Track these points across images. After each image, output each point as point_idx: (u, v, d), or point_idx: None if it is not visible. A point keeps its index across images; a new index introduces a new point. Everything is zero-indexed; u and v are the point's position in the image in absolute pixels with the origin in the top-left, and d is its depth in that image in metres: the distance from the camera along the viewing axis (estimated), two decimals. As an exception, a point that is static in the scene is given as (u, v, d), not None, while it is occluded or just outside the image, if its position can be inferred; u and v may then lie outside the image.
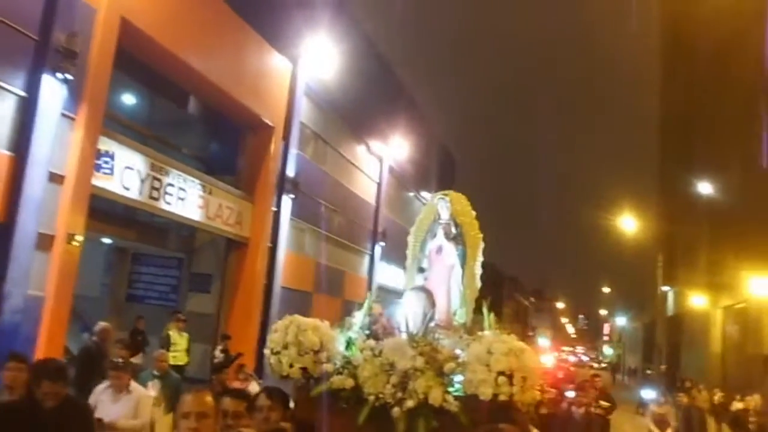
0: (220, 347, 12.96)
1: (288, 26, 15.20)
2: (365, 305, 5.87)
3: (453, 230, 6.33)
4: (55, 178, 9.14)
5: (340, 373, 5.10)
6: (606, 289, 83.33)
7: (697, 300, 33.01)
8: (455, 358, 5.01)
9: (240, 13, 13.48)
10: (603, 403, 11.23)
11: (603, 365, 71.70)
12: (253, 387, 9.41)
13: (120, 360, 6.25)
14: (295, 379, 5.27)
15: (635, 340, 63.36)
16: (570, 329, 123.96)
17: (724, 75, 31.17)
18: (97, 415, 5.72)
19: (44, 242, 9.05)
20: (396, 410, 4.76)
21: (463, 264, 6.27)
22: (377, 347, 5.15)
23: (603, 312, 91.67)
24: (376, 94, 21.11)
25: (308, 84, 16.41)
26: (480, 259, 6.36)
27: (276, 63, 15.18)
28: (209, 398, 3.06)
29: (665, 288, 39.92)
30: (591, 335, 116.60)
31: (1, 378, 4.94)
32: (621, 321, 70.77)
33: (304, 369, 5.18)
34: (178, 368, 12.99)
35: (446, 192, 6.66)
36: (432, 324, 5.66)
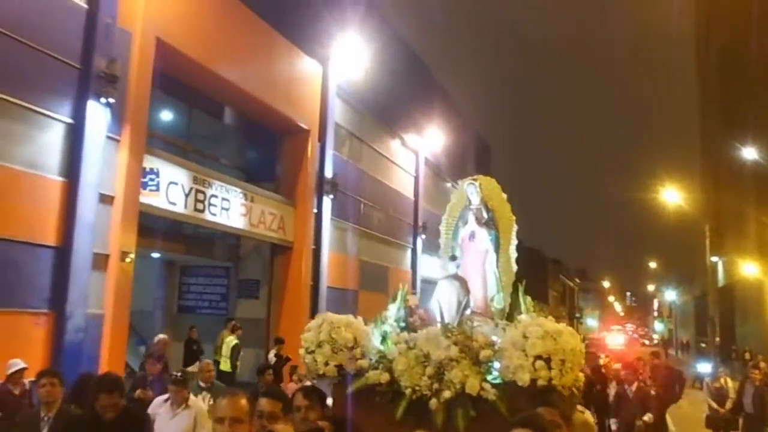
0: (273, 351, 13.19)
1: (316, 30, 15.32)
2: (398, 298, 5.74)
3: (485, 215, 6.14)
4: (105, 199, 9.45)
5: (376, 368, 5.01)
6: (652, 264, 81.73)
7: (749, 269, 32.21)
8: (491, 345, 4.90)
9: (268, 20, 13.65)
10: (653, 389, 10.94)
11: (654, 341, 70.61)
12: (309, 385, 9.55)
13: (179, 374, 6.17)
14: (331, 377, 5.18)
15: (686, 314, 62.17)
16: (618, 307, 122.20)
17: (765, 35, 30.27)
18: (156, 430, 5.76)
19: (99, 262, 9.37)
20: (433, 402, 4.66)
21: (497, 248, 6.09)
22: (411, 339, 5.07)
23: (651, 287, 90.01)
24: (408, 87, 21.12)
25: (339, 85, 16.53)
26: (514, 242, 6.17)
27: (306, 67, 15.33)
28: (244, 402, 3.03)
29: (714, 258, 39.05)
30: (640, 312, 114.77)
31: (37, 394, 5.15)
32: (670, 296, 69.35)
33: (339, 366, 5.12)
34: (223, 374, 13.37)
35: (475, 177, 6.46)
36: (468, 312, 5.57)
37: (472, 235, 6.14)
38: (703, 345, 38.36)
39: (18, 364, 6.96)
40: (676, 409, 16.64)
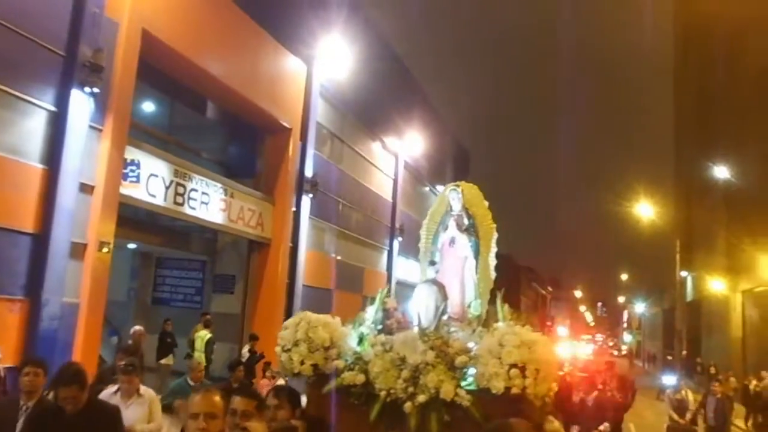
0: (247, 347, 13.24)
1: (302, 29, 15.41)
2: (377, 300, 5.75)
3: (465, 221, 6.18)
4: (86, 189, 9.43)
5: (351, 369, 5.04)
6: (624, 276, 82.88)
7: (716, 284, 32.86)
8: (467, 351, 4.93)
9: (255, 18, 13.71)
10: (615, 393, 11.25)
11: (623, 352, 71.57)
12: (281, 383, 9.63)
13: (129, 365, 5.94)
14: (307, 376, 5.20)
15: (655, 326, 63.05)
16: (589, 317, 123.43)
17: (738, 57, 30.97)
18: None
19: (77, 251, 9.35)
20: (408, 405, 4.69)
21: (477, 255, 6.12)
22: (388, 342, 5.09)
23: (621, 299, 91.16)
24: (390, 91, 21.30)
25: (323, 85, 16.64)
26: (494, 249, 6.21)
27: (291, 65, 15.41)
28: (218, 398, 3.04)
29: (684, 273, 39.73)
30: (610, 323, 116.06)
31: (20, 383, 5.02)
32: (640, 308, 70.38)
33: (315, 366, 5.12)
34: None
35: (458, 183, 6.46)
36: (445, 317, 5.59)
37: (452, 241, 6.19)
38: (669, 357, 38.95)
39: None
40: (640, 419, 17.00)
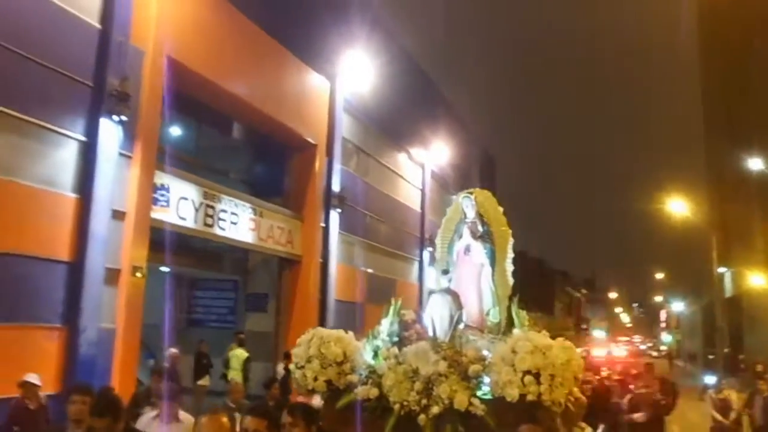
0: (282, 364, 13.26)
1: (323, 46, 15.50)
2: (390, 312, 5.64)
3: (480, 228, 6.08)
4: (118, 215, 9.57)
5: (365, 383, 4.98)
6: (659, 275, 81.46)
7: (756, 279, 32.10)
8: (481, 359, 4.85)
9: (276, 37, 13.82)
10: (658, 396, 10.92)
11: (662, 353, 70.25)
12: (316, 401, 9.61)
13: (169, 390, 5.91)
14: (321, 393, 5.14)
15: (694, 324, 61.82)
16: (625, 318, 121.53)
17: (765, 43, 30.34)
18: None
19: (111, 277, 9.48)
20: (422, 417, 4.63)
21: (493, 262, 6.02)
22: (401, 354, 5.03)
23: (658, 299, 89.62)
24: (414, 102, 21.29)
25: (347, 99, 16.69)
26: (510, 255, 6.10)
27: (314, 82, 15.50)
28: (224, 420, 3.15)
29: (722, 269, 38.97)
30: (647, 323, 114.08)
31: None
32: (678, 306, 69.08)
33: (328, 381, 5.07)
34: None
35: (471, 190, 6.38)
36: (461, 326, 5.51)
37: (467, 249, 6.09)
38: (711, 356, 38.12)
39: (33, 378, 7.03)
40: (684, 421, 16.61)
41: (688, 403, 19.63)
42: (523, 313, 5.58)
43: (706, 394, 19.23)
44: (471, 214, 6.17)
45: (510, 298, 5.86)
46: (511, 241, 6.13)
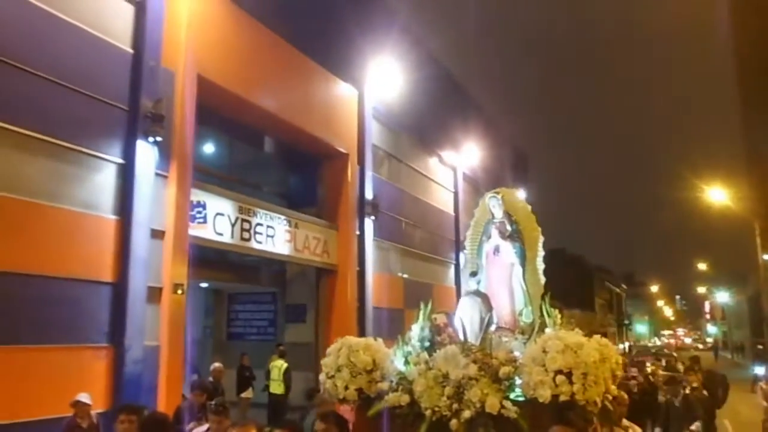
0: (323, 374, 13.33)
1: (349, 55, 15.59)
2: (420, 317, 5.62)
3: (508, 228, 6.04)
4: (157, 234, 9.73)
5: (396, 390, 4.95)
6: (702, 266, 79.75)
7: (804, 266, 31.25)
8: (512, 361, 4.77)
9: (302, 49, 13.94)
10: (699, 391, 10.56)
11: (708, 345, 68.77)
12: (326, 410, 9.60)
13: (220, 405, 5.92)
14: (353, 401, 5.14)
15: (740, 315, 60.44)
16: (668, 312, 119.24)
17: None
18: None
19: (153, 295, 9.64)
20: (453, 422, 4.57)
21: (524, 261, 5.96)
22: (431, 360, 4.99)
23: (701, 290, 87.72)
24: (442, 105, 21.25)
25: (375, 107, 16.75)
26: (541, 253, 6.04)
27: (342, 91, 15.59)
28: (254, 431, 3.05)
29: (766, 256, 38.00)
30: (691, 315, 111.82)
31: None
32: (722, 297, 67.56)
33: (359, 390, 5.06)
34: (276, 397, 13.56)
35: (498, 190, 6.35)
36: (492, 327, 5.47)
37: (496, 249, 6.10)
38: (760, 347, 37.16)
39: (84, 397, 7.19)
40: (735, 414, 16.20)
41: (738, 395, 19.13)
42: (556, 311, 5.47)
43: (756, 386, 18.72)
44: (498, 213, 6.15)
45: (542, 297, 5.78)
46: (541, 238, 6.07)
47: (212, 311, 17.98)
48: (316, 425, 4.25)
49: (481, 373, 4.68)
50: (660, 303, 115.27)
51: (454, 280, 22.44)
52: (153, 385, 9.43)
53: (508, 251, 6.01)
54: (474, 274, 5.97)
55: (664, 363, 23.02)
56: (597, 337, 4.81)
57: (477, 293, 5.74)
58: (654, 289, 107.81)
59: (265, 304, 17.32)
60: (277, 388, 13.79)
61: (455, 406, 4.61)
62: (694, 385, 10.42)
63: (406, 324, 16.98)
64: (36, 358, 7.93)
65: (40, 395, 7.85)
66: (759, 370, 22.75)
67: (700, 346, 68.63)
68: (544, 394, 4.34)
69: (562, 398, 4.30)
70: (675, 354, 32.12)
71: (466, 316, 5.54)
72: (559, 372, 4.34)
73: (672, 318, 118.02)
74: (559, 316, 5.44)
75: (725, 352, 60.60)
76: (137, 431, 5.15)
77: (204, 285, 16.43)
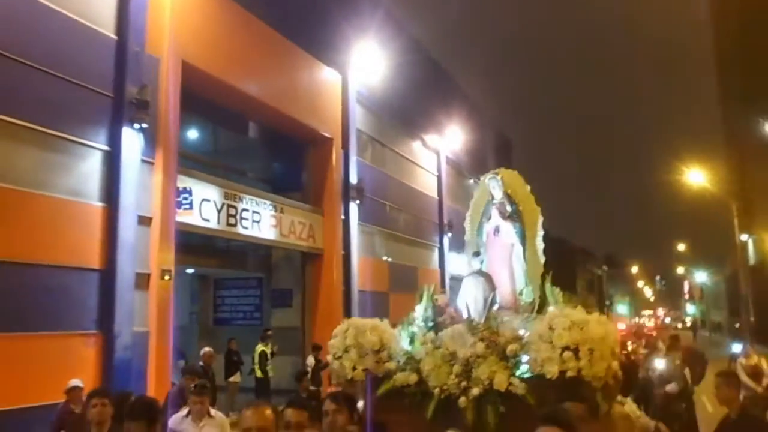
0: (312, 357, 13.47)
1: (333, 39, 15.57)
2: (424, 298, 5.68)
3: (508, 208, 6.05)
4: (144, 221, 9.77)
5: (403, 370, 5.01)
6: (681, 246, 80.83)
7: (780, 245, 31.84)
8: (518, 339, 4.84)
9: (286, 34, 13.92)
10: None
11: (687, 325, 69.94)
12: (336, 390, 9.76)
13: (202, 386, 5.91)
14: (361, 381, 5.15)
15: (718, 294, 61.44)
16: (648, 292, 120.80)
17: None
18: None
19: (141, 281, 9.71)
20: (462, 400, 4.59)
21: (524, 241, 6.00)
22: (437, 339, 5.04)
23: (680, 270, 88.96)
24: (426, 89, 21.31)
25: (359, 91, 16.78)
26: (541, 233, 6.07)
27: (326, 76, 15.59)
28: (269, 412, 3.06)
29: (744, 237, 38.63)
30: (671, 296, 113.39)
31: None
32: (701, 277, 68.63)
33: (367, 370, 5.09)
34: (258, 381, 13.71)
35: (497, 170, 6.32)
36: (495, 307, 5.51)
37: (496, 230, 6.10)
38: (737, 325, 37.87)
39: (77, 383, 7.25)
40: (713, 389, 16.53)
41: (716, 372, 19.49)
42: (557, 290, 5.55)
43: (734, 363, 19.14)
44: (498, 194, 6.14)
45: (542, 276, 5.84)
46: (540, 218, 6.09)
47: (198, 297, 17.99)
48: (326, 405, 4.24)
49: (488, 350, 4.75)
50: (640, 284, 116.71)
51: (438, 263, 22.64)
52: (142, 370, 9.51)
53: (509, 231, 6.06)
54: (477, 254, 6.01)
55: (644, 342, 23.43)
56: (596, 314, 4.90)
57: (480, 273, 5.80)
58: (634, 270, 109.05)
59: (250, 289, 17.37)
60: (258, 372, 13.97)
61: (463, 383, 4.67)
62: (677, 362, 10.67)
63: (391, 307, 17.32)
64: (25, 345, 7.97)
65: (30, 382, 7.91)
66: (736, 348, 23.21)
67: (679, 326, 69.69)
68: (552, 370, 4.42)
69: (569, 374, 4.38)
70: (654, 333, 32.73)
71: (469, 296, 5.58)
72: (566, 348, 4.41)
73: (652, 298, 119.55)
74: (560, 294, 5.53)
75: (703, 331, 61.67)
76: (112, 412, 5.03)
77: (190, 271, 16.43)
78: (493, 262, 6.03)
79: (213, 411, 5.93)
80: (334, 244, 15.57)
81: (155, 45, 10.07)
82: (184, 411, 5.93)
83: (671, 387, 9.90)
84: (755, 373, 11.67)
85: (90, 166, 9.06)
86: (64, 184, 8.68)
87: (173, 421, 5.91)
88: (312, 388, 10.89)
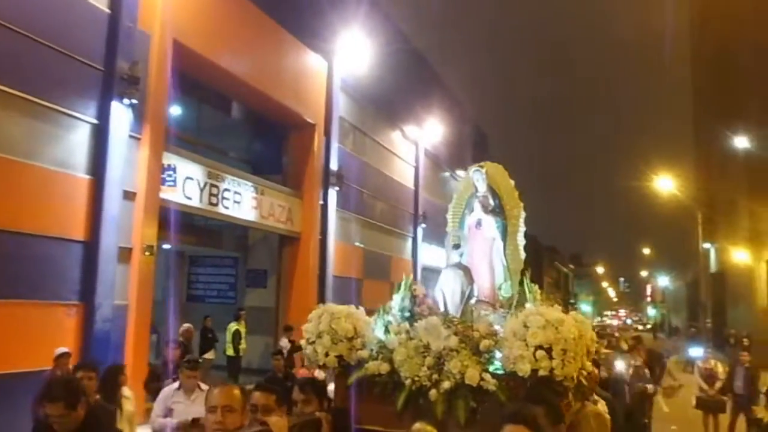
0: (285, 338, 13.67)
1: (321, 26, 15.69)
2: (402, 288, 5.60)
3: (491, 202, 6.00)
4: (129, 195, 9.86)
5: (376, 359, 4.90)
6: (646, 250, 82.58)
7: (740, 255, 32.85)
8: (493, 334, 4.79)
9: (275, 18, 14.01)
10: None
11: (648, 327, 71.58)
12: (319, 374, 9.94)
13: (195, 361, 6.07)
14: (332, 368, 5.13)
15: (679, 299, 62.97)
16: (611, 293, 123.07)
17: (757, 25, 30.66)
18: (177, 417, 5.83)
19: (124, 255, 9.81)
20: (433, 392, 4.56)
21: (505, 236, 5.94)
22: (412, 330, 4.98)
23: (644, 273, 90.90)
24: (408, 81, 21.54)
25: (344, 79, 16.93)
26: (522, 229, 6.05)
27: (312, 62, 15.72)
28: (236, 392, 3.06)
29: (706, 245, 39.69)
30: (633, 298, 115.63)
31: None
32: (663, 281, 70.29)
33: (339, 357, 5.04)
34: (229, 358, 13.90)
35: (482, 164, 6.25)
36: (473, 301, 5.51)
37: (478, 223, 6.02)
38: (693, 329, 38.94)
39: (64, 350, 7.38)
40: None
41: (674, 374, 20.20)
42: (536, 287, 5.53)
43: (690, 367, 19.80)
44: (482, 187, 6.08)
45: (522, 272, 5.83)
46: (522, 214, 6.08)
47: (173, 273, 17.98)
48: (294, 395, 4.32)
49: (461, 344, 4.70)
50: (605, 284, 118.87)
51: (411, 253, 22.96)
52: (120, 343, 9.62)
53: (490, 225, 5.99)
54: (457, 246, 5.91)
55: (606, 342, 24.05)
56: (573, 313, 4.94)
57: (459, 266, 5.73)
58: (600, 270, 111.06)
59: (226, 267, 17.45)
60: (229, 350, 14.17)
61: (435, 376, 4.63)
62: (638, 363, 11.10)
63: (364, 293, 17.56)
64: (6, 312, 8.05)
65: (10, 349, 8.01)
66: (693, 351, 23.98)
67: (640, 327, 71.30)
68: (524, 368, 4.38)
69: (541, 373, 4.33)
70: (617, 334, 33.54)
71: (447, 288, 5.56)
72: (539, 347, 4.36)
73: (615, 299, 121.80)
74: (538, 291, 5.50)
75: (661, 334, 63.25)
76: (42, 395, 4.28)
77: (165, 246, 16.45)
78: (474, 255, 5.99)
79: (203, 385, 6.06)
80: (312, 228, 15.77)
81: (147, 22, 10.12)
82: (175, 384, 6.13)
83: (651, 387, 10.31)
84: (710, 375, 12.26)
85: (78, 139, 9.13)
86: (51, 154, 8.75)
87: (164, 393, 6.11)
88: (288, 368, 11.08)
